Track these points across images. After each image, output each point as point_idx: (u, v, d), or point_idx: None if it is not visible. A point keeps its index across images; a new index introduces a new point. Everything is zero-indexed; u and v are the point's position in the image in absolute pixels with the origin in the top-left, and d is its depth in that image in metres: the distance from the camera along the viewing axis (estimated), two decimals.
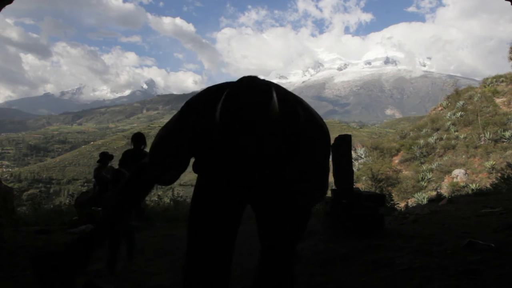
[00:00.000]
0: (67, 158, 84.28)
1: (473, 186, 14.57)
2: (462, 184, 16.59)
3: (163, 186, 1.87)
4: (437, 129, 23.77)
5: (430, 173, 19.36)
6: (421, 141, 22.74)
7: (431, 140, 22.51)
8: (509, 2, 5.48)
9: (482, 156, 18.79)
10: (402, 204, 11.08)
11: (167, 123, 1.41)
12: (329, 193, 4.63)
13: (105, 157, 7.02)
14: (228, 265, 1.47)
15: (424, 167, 20.27)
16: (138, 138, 5.58)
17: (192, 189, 1.59)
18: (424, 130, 24.58)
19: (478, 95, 24.38)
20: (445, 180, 18.35)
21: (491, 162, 17.05)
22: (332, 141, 4.67)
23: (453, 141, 21.36)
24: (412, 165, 21.46)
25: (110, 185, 3.69)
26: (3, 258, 3.89)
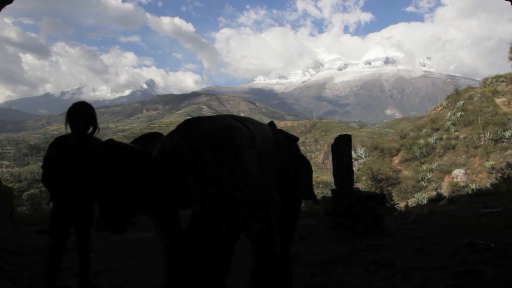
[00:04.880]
0: None
1: (473, 186, 14.57)
2: (462, 184, 16.59)
3: None
4: (437, 129, 23.77)
5: (430, 173, 19.36)
6: (421, 141, 22.74)
7: (431, 140, 22.52)
8: (509, 2, 5.48)
9: (482, 156, 18.80)
10: (402, 204, 11.08)
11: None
12: (329, 193, 4.63)
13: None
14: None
15: (424, 167, 20.28)
16: (80, 113, 2.66)
17: None
18: (424, 130, 24.59)
19: (478, 95, 24.39)
20: (445, 180, 18.35)
21: (491, 162, 17.05)
22: (332, 141, 4.68)
23: (453, 141, 21.37)
24: (412, 165, 21.46)
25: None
26: (3, 258, 3.89)
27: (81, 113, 2.67)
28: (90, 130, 2.69)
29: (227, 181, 1.52)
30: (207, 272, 1.53)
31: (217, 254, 1.53)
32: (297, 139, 2.04)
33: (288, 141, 1.95)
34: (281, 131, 1.99)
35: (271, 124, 2.03)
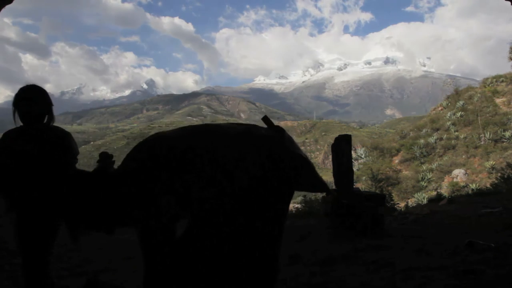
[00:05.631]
0: None
1: (473, 186, 14.58)
2: (462, 184, 16.60)
3: None
4: (437, 129, 23.77)
5: (430, 173, 19.36)
6: (421, 141, 22.75)
7: (431, 140, 22.52)
8: (508, 2, 5.48)
9: (482, 156, 18.80)
10: (402, 204, 11.08)
11: None
12: None
13: (105, 157, 7.05)
14: None
15: (424, 167, 20.28)
16: (31, 99, 2.06)
17: None
18: (424, 130, 24.59)
19: (478, 95, 24.39)
20: (445, 180, 18.36)
21: (491, 162, 17.06)
22: (332, 141, 4.68)
23: (453, 141, 21.38)
24: (412, 165, 21.46)
25: None
26: (3, 258, 3.89)
27: (32, 99, 2.03)
28: (46, 120, 2.10)
29: (228, 182, 1.52)
30: (208, 274, 1.53)
31: (220, 255, 1.52)
32: (275, 129, 1.71)
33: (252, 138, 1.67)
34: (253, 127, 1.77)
35: (264, 118, 1.85)
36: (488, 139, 19.72)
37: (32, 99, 2.03)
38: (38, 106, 2.05)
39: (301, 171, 1.70)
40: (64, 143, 2.08)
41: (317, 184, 1.75)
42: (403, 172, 21.32)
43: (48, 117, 2.11)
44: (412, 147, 22.58)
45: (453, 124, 23.05)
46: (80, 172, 1.81)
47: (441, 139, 22.24)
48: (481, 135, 20.26)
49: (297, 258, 3.41)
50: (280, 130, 1.71)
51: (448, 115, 24.32)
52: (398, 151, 23.83)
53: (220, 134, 1.65)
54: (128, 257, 4.04)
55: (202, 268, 1.53)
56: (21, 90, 2.05)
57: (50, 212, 1.97)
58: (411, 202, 13.70)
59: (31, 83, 2.13)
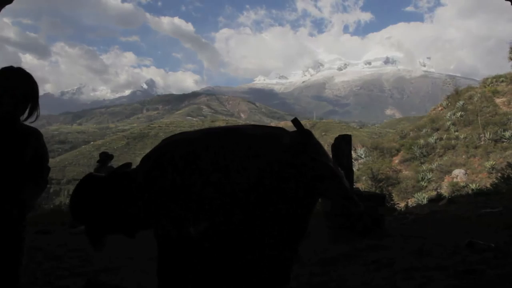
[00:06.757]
0: (67, 158, 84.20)
1: (473, 186, 14.58)
2: (462, 184, 16.60)
3: None
4: (437, 129, 23.77)
5: (430, 173, 19.36)
6: (421, 141, 22.74)
7: (431, 140, 22.51)
8: (509, 2, 5.49)
9: (482, 156, 18.80)
10: (402, 204, 11.09)
11: None
12: None
13: (105, 157, 7.06)
14: None
15: (424, 167, 20.27)
16: (16, 81, 1.64)
17: None
18: (424, 130, 24.59)
19: (478, 95, 24.38)
20: (445, 180, 18.36)
21: (491, 162, 17.06)
22: (332, 141, 4.67)
23: (453, 141, 21.37)
24: (412, 165, 21.45)
25: None
26: None
27: (17, 88, 1.58)
28: (26, 113, 1.64)
29: (228, 182, 1.52)
30: (207, 274, 1.53)
31: (219, 255, 1.52)
32: (303, 133, 1.61)
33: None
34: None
35: (294, 120, 1.72)
36: (488, 139, 19.72)
37: (17, 88, 1.58)
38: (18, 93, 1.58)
39: (321, 179, 1.63)
40: (28, 143, 1.59)
41: (340, 195, 1.64)
42: (403, 172, 21.32)
43: (29, 111, 1.64)
44: (412, 147, 22.57)
45: (453, 124, 23.05)
46: (99, 176, 1.78)
47: (441, 139, 22.23)
48: (481, 135, 20.25)
49: (297, 258, 3.41)
50: (307, 134, 1.65)
51: (448, 115, 24.31)
52: (398, 151, 23.82)
53: (230, 136, 1.64)
54: (129, 257, 4.05)
55: (202, 267, 1.53)
56: (4, 74, 1.59)
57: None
58: (411, 202, 13.70)
59: (17, 66, 1.66)
